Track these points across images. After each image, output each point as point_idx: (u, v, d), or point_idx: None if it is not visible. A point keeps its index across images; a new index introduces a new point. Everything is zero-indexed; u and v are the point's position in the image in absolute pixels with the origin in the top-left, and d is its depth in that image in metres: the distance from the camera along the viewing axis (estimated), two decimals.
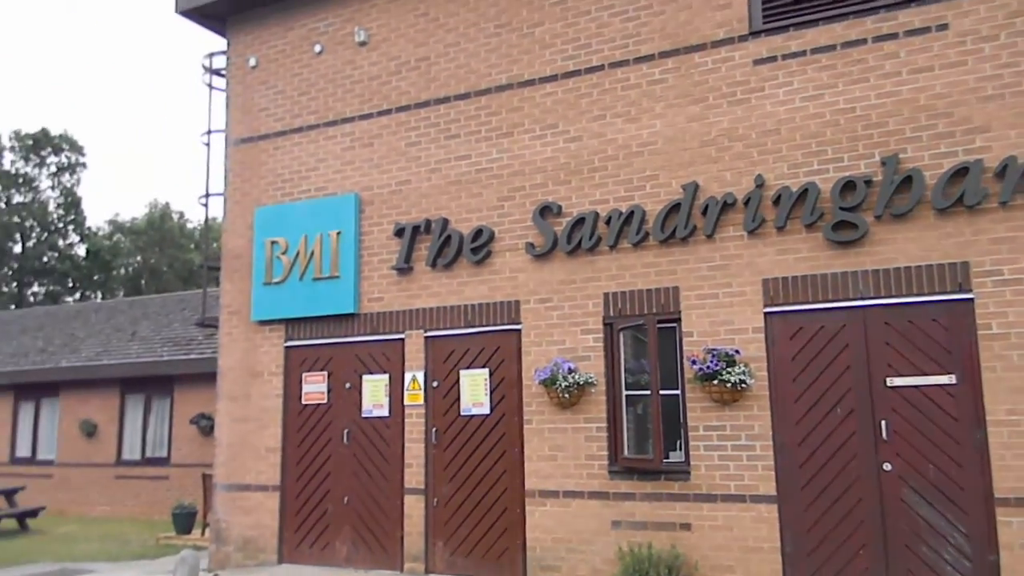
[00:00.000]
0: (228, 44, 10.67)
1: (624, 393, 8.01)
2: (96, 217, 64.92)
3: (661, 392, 7.72)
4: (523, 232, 8.55)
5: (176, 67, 67.27)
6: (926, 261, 6.94)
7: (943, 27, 7.03)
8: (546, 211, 8.43)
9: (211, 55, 10.85)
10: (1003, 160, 6.70)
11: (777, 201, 7.42)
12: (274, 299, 9.68)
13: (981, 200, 6.74)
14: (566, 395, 7.91)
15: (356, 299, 9.29)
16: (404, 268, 9.09)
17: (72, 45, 68.56)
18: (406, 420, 8.94)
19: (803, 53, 7.50)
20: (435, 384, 8.89)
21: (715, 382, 7.35)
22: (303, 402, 9.56)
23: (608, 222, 8.09)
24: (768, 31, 7.67)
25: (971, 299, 6.78)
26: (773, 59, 7.61)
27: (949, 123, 6.96)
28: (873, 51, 7.25)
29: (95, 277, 41.34)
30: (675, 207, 7.83)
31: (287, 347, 9.69)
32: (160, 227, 43.06)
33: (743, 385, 7.28)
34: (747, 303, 7.52)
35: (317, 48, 9.94)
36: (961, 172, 6.83)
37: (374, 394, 9.21)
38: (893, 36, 7.19)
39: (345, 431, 9.28)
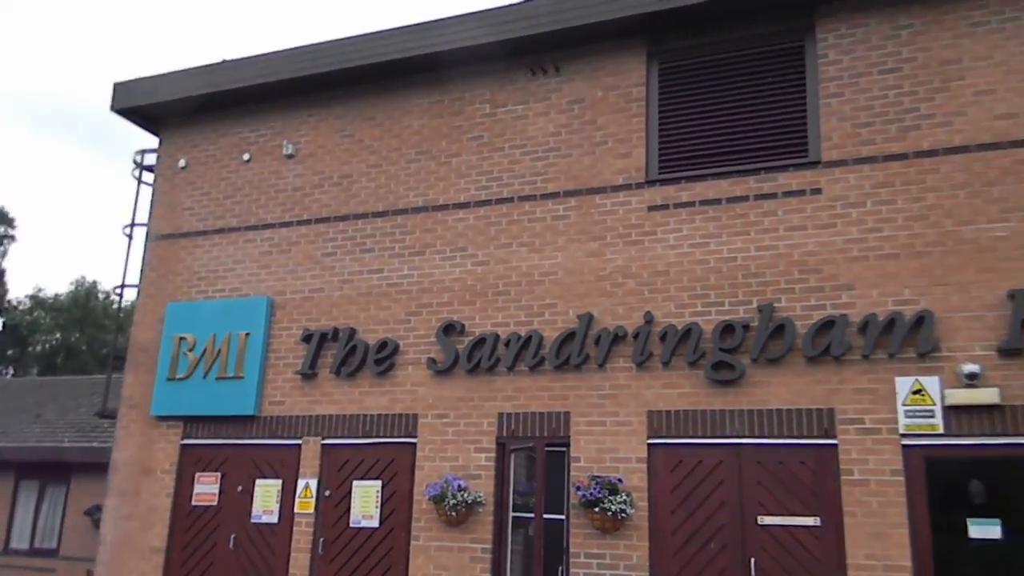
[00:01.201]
0: (160, 143, 10.98)
1: (511, 515, 8.17)
2: (18, 290, 63.27)
3: (547, 516, 7.91)
4: (426, 347, 8.82)
5: (119, 147, 67.28)
6: (796, 405, 7.38)
7: (817, 191, 7.69)
8: (450, 329, 8.73)
9: (143, 152, 11.13)
10: (865, 316, 7.26)
11: (664, 337, 7.85)
12: (176, 395, 9.69)
13: (845, 352, 7.25)
14: (454, 513, 8.03)
15: (258, 401, 9.37)
16: (308, 374, 9.24)
17: (13, 113, 68.25)
18: (295, 528, 8.91)
19: (693, 204, 8.09)
20: (327, 493, 8.92)
21: (597, 509, 7.58)
22: (193, 503, 9.47)
23: (507, 344, 8.42)
24: (663, 181, 8.28)
25: (835, 444, 7.20)
26: (666, 207, 8.19)
27: (819, 279, 7.54)
28: (754, 207, 7.87)
29: (9, 352, 40.09)
30: (570, 335, 8.21)
31: (183, 445, 9.65)
32: (84, 305, 42.21)
33: (624, 514, 7.52)
34: (632, 433, 7.84)
35: (246, 156, 10.30)
36: (828, 325, 7.36)
37: (265, 499, 9.18)
38: (772, 196, 7.83)
39: (232, 536, 9.19)
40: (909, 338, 7.10)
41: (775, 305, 7.59)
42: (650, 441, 7.77)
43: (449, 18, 9.16)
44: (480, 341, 8.54)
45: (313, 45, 9.83)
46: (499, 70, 9.17)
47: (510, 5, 8.91)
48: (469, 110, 9.27)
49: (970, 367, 6.84)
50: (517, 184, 8.87)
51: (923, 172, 7.38)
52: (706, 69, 8.41)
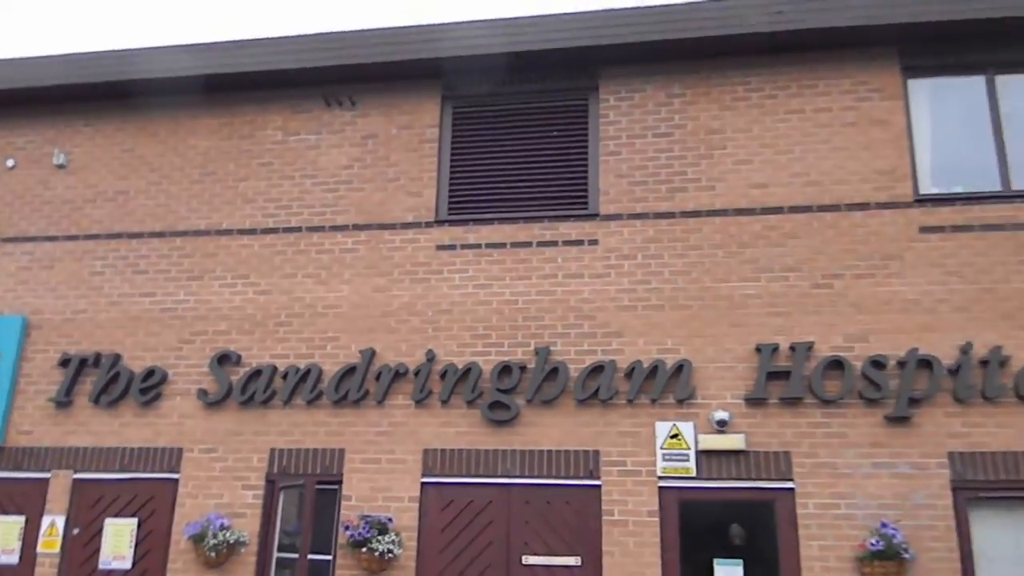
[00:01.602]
0: None
1: (276, 555, 7.86)
2: None
3: (314, 557, 7.67)
4: (198, 377, 8.39)
5: None
6: (565, 446, 7.62)
7: (594, 242, 8.07)
8: (225, 359, 8.37)
9: None
10: (632, 363, 7.64)
11: (444, 376, 7.91)
12: None
13: (612, 396, 7.60)
14: (213, 553, 7.62)
15: (2, 430, 8.54)
16: (64, 402, 8.53)
17: None
18: (36, 569, 8.13)
19: (479, 246, 8.26)
20: (76, 531, 8.22)
21: (364, 550, 7.44)
22: None
23: (285, 377, 8.17)
24: (452, 222, 8.40)
25: (599, 485, 7.49)
26: (453, 247, 8.31)
27: (592, 325, 7.88)
28: (536, 254, 8.14)
29: None
30: (351, 370, 8.09)
31: None
32: None
33: (391, 554, 7.42)
34: (407, 471, 7.79)
35: (10, 163, 9.49)
36: (598, 369, 7.69)
37: (5, 538, 8.33)
38: (554, 243, 8.14)
39: None
40: (669, 385, 7.55)
41: (551, 348, 7.84)
42: (424, 480, 7.75)
43: (245, 40, 8.93)
44: (256, 373, 8.23)
45: (91, 53, 9.26)
46: (294, 97, 9.02)
47: (308, 34, 8.81)
48: (260, 135, 9.03)
49: (720, 414, 7.35)
50: (306, 214, 8.70)
51: (687, 231, 7.93)
52: (499, 117, 8.67)
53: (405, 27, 8.67)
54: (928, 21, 7.55)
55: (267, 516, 7.93)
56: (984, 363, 7.04)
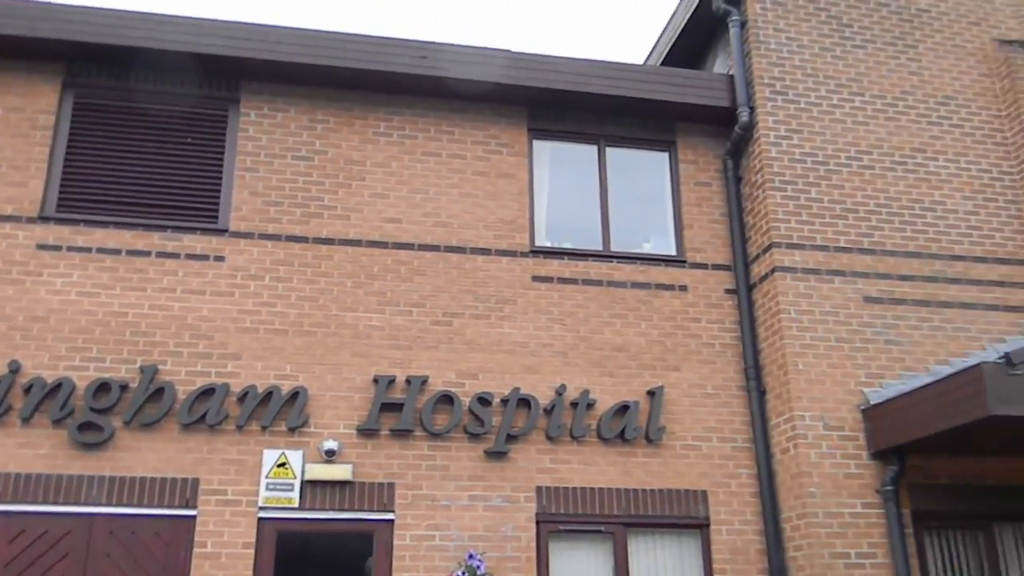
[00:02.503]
0: None
1: None
2: None
3: None
4: None
5: None
6: (162, 474, 7.09)
7: (220, 259, 7.71)
8: None
9: None
10: (246, 387, 7.35)
11: (28, 390, 7.03)
12: None
13: (221, 421, 7.23)
14: None
15: None
16: None
17: None
18: None
19: (89, 250, 7.53)
20: None
21: None
22: None
23: None
24: (59, 220, 7.58)
25: (194, 516, 7.05)
26: (58, 248, 7.50)
27: (209, 345, 7.48)
28: (155, 264, 7.60)
29: None
30: None
31: None
32: None
33: None
34: None
35: None
36: (208, 392, 7.29)
37: None
38: (176, 256, 7.65)
39: None
40: (283, 412, 7.35)
41: (159, 367, 7.30)
42: None
43: None
44: None
45: None
46: None
47: None
48: None
49: (329, 444, 7.29)
50: None
51: (319, 257, 7.86)
52: (128, 114, 8.02)
53: (32, 1, 7.79)
54: (553, 88, 8.27)
55: None
56: (574, 404, 7.71)
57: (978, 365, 6.22)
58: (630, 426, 7.66)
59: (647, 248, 8.54)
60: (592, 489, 7.56)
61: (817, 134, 8.28)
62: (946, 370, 7.27)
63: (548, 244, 8.36)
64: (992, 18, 9.09)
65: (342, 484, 7.28)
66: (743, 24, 8.52)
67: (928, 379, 7.03)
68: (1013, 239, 8.35)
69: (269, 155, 8.05)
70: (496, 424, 7.55)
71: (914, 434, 6.87)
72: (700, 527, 7.59)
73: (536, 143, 8.61)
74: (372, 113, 8.31)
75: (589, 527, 7.49)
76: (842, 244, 8.01)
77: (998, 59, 8.81)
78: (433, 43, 8.27)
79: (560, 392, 7.72)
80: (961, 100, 8.71)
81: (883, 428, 7.25)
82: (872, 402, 7.42)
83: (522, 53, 8.37)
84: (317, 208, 7.99)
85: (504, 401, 7.62)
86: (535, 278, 8.12)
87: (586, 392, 7.76)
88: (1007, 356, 6.17)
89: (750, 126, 8.29)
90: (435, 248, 8.06)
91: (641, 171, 8.78)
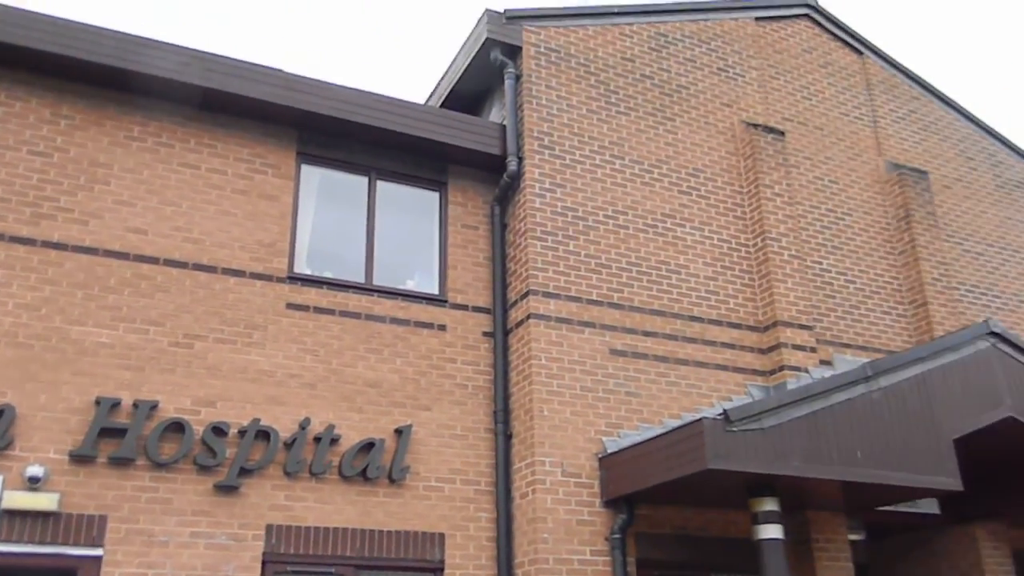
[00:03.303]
0: None
1: None
2: None
3: None
4: None
5: None
6: None
7: None
8: None
9: None
10: None
11: None
12: None
13: None
14: None
15: None
16: None
17: None
18: None
19: None
20: None
21: None
22: None
23: None
24: None
25: None
26: None
27: None
28: None
29: None
30: None
31: None
32: None
33: None
34: None
35: None
36: None
37: None
38: None
39: None
40: None
41: None
42: None
43: None
44: None
45: None
46: None
47: None
48: None
49: (33, 469, 6.55)
50: None
51: (47, 263, 7.15)
52: None
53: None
54: (323, 114, 8.10)
55: None
56: (317, 439, 7.42)
57: (699, 420, 6.61)
58: (373, 464, 7.47)
59: (410, 285, 8.49)
60: (327, 529, 7.28)
61: (579, 190, 8.63)
62: (675, 424, 7.69)
63: (308, 272, 8.09)
64: (743, 101, 9.94)
65: (45, 515, 6.55)
66: (518, 77, 8.77)
67: (658, 431, 7.40)
68: (745, 306, 9.04)
69: (3, 147, 7.28)
70: (230, 456, 7.11)
71: (642, 484, 7.18)
72: (434, 571, 7.49)
73: (305, 167, 8.37)
74: (127, 115, 7.74)
75: (319, 569, 7.18)
76: (594, 297, 8.33)
77: (744, 139, 9.62)
78: (202, 52, 7.87)
79: (304, 426, 7.42)
80: (710, 173, 9.41)
81: (615, 477, 7.53)
82: (609, 451, 7.70)
83: (296, 75, 8.14)
84: (51, 209, 7.29)
85: (241, 432, 7.20)
86: (290, 305, 7.81)
87: (331, 427, 7.50)
88: (725, 413, 6.61)
89: (517, 175, 8.50)
90: (183, 265, 7.56)
91: (411, 208, 8.75)
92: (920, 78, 11.49)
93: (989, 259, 11.00)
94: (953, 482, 7.25)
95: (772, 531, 6.79)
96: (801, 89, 10.55)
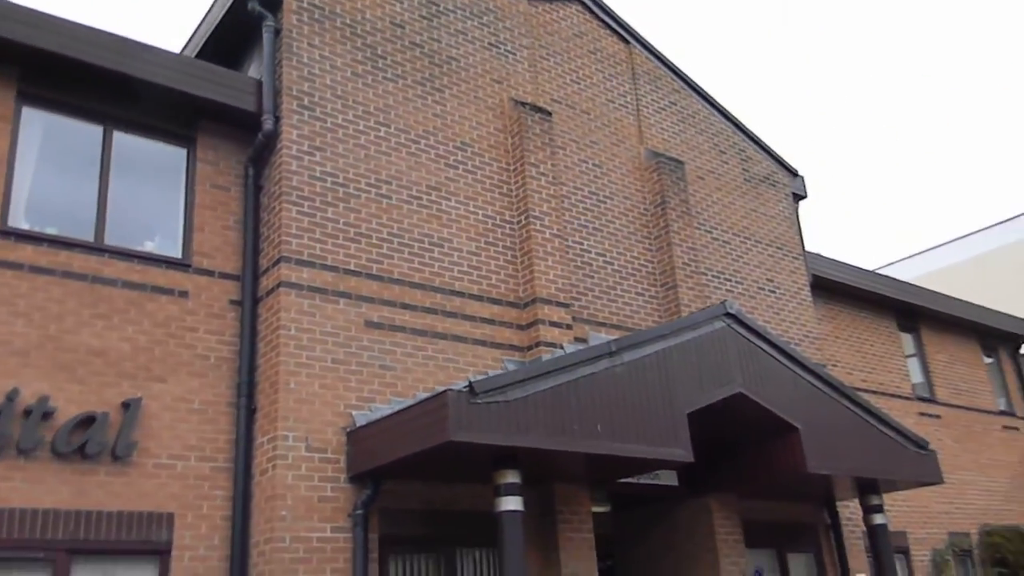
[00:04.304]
0: None
1: None
2: None
3: None
4: None
5: None
6: None
7: None
8: None
9: None
10: None
11: None
12: None
13: None
14: None
15: None
16: None
17: None
18: None
19: None
20: None
21: None
22: None
23: None
24: None
25: None
26: None
27: None
28: None
29: None
30: None
31: None
32: None
33: None
34: None
35: None
36: None
37: None
38: None
39: None
40: None
41: None
42: None
43: None
44: None
45: None
46: None
47: None
48: None
49: None
50: None
51: None
52: None
53: None
54: (50, 51, 7.24)
55: None
56: (27, 413, 6.64)
57: (444, 392, 6.51)
58: (94, 440, 6.79)
59: (149, 247, 7.80)
60: (35, 511, 6.53)
61: (340, 156, 8.28)
62: (425, 396, 7.57)
63: (25, 227, 7.22)
64: (513, 79, 9.97)
65: None
66: (277, 32, 8.26)
67: (406, 403, 7.25)
68: (506, 282, 9.10)
69: None
70: None
71: (387, 457, 7.01)
72: (160, 553, 6.94)
73: (27, 110, 7.45)
74: None
75: (24, 555, 6.44)
76: (351, 267, 8.04)
77: (512, 117, 9.65)
78: None
79: (11, 397, 6.61)
80: (477, 148, 9.36)
81: (362, 451, 7.31)
82: (358, 424, 7.47)
83: (18, 4, 7.22)
84: None
85: None
86: (2, 263, 6.95)
87: (45, 399, 6.73)
88: (471, 385, 6.56)
89: (273, 135, 8.01)
90: None
91: (154, 164, 8.05)
92: (682, 72, 12.07)
93: (734, 248, 11.77)
94: (685, 454, 7.63)
95: (512, 503, 6.82)
96: (570, 72, 10.75)
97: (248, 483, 7.36)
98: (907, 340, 15.50)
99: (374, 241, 8.29)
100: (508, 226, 9.35)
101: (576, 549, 8.22)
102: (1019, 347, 17.83)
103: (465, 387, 6.57)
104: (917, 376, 15.27)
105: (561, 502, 8.31)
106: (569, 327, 9.15)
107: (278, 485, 7.03)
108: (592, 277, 9.97)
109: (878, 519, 9.82)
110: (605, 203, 10.46)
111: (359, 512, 7.19)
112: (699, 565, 9.53)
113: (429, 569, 7.81)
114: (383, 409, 7.61)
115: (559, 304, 9.17)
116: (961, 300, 16.54)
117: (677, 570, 9.76)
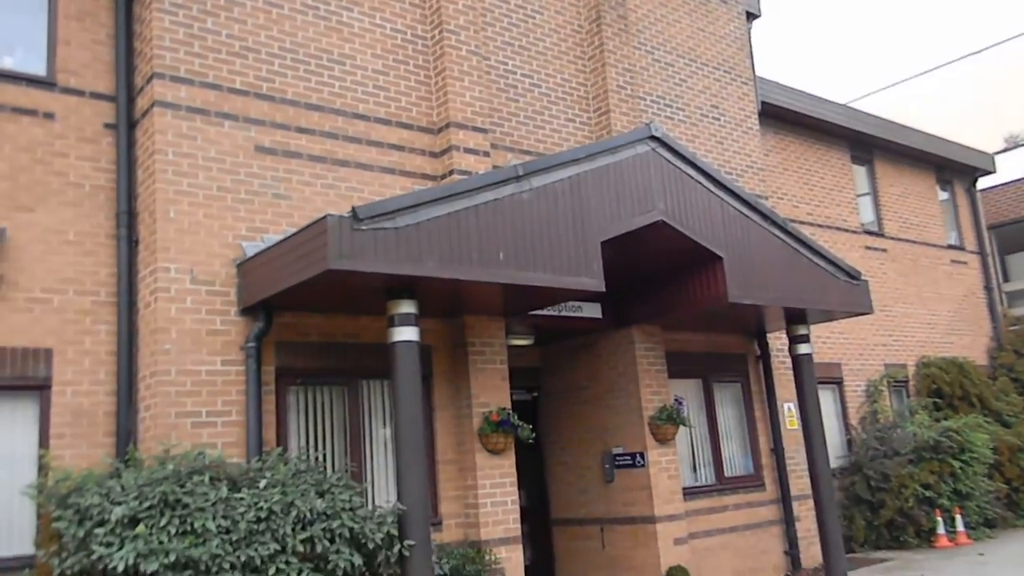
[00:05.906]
0: None
1: None
2: None
3: None
4: None
5: None
6: None
7: None
8: None
9: None
10: None
11: None
12: None
13: None
14: None
15: None
16: None
17: None
18: None
19: None
20: None
21: None
22: None
23: None
24: None
25: None
26: None
27: None
28: None
29: None
30: None
31: None
32: None
33: None
34: None
35: None
36: None
37: None
38: None
39: None
40: None
41: None
42: None
43: None
44: None
45: None
46: None
47: None
48: None
49: None
50: None
51: None
52: None
53: None
54: None
55: None
56: None
57: (323, 219, 6.01)
58: None
59: (8, 64, 7.05)
60: None
61: None
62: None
63: None
64: None
65: None
66: None
67: (292, 232, 6.75)
68: (418, 105, 8.43)
69: None
70: None
71: (273, 288, 6.59)
72: (39, 388, 6.61)
73: None
74: None
75: None
76: (237, 86, 7.33)
77: None
78: None
79: None
80: None
81: (252, 283, 6.88)
82: (248, 255, 7.01)
83: None
84: None
85: None
86: None
87: None
88: (354, 211, 6.06)
89: None
90: None
91: None
92: None
93: (678, 70, 11.05)
94: (596, 283, 7.27)
95: (407, 334, 6.47)
96: None
97: (133, 317, 6.97)
98: (860, 173, 15.07)
99: (263, 56, 7.54)
100: (420, 42, 8.57)
101: (488, 380, 8.00)
102: (975, 181, 17.48)
103: (348, 214, 6.07)
104: (868, 210, 14.95)
105: (472, 334, 8.02)
106: (487, 154, 8.58)
107: (160, 318, 6.63)
108: (516, 101, 9.30)
109: (803, 348, 9.68)
110: (533, 18, 9.63)
111: (251, 345, 6.84)
112: (621, 394, 9.41)
113: (332, 400, 7.58)
114: (275, 239, 7.13)
115: (476, 129, 8.55)
116: (918, 130, 16.00)
117: (600, 400, 9.66)
